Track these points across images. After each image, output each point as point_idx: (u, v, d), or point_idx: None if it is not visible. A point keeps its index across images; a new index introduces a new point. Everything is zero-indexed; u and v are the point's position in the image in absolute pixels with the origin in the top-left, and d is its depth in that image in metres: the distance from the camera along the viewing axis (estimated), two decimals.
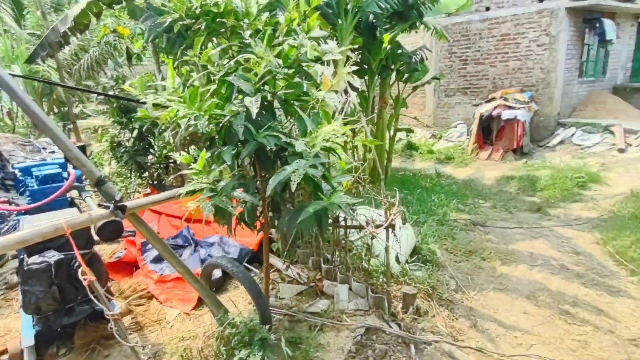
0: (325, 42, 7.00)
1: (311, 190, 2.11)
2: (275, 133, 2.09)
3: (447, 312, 3.19)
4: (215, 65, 2.26)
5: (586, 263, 4.19)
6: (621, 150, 7.93)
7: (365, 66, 6.51)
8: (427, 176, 8.18)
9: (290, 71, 2.44)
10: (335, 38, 5.81)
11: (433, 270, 3.73)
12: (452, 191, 7.02)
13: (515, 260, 4.24)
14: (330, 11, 5.67)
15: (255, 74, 2.08)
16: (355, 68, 3.30)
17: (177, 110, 2.06)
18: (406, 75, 7.18)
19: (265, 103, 2.42)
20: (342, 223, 3.14)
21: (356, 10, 5.57)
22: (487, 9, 9.91)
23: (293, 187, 1.80)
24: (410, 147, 10.65)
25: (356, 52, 6.63)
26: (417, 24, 6.54)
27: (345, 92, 4.32)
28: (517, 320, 3.21)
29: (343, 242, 3.29)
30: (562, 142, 9.05)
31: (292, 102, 2.55)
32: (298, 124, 2.17)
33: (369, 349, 2.60)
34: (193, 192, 2.25)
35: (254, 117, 1.90)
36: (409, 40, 10.88)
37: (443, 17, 10.60)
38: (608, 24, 8.97)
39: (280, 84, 2.60)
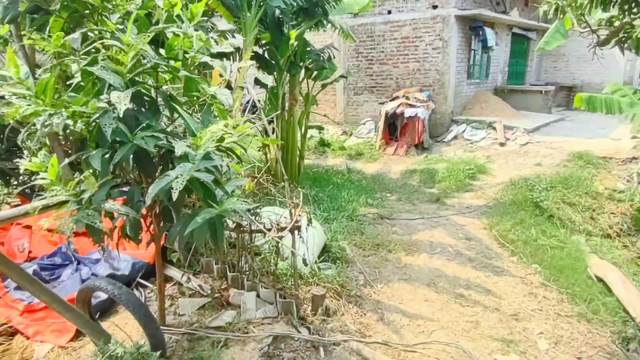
0: (233, 36, 6.64)
1: (202, 197, 1.89)
2: (156, 134, 1.83)
3: (356, 309, 3.23)
4: (78, 53, 1.90)
5: (476, 247, 4.63)
6: (502, 144, 9.05)
7: (273, 62, 6.36)
8: (339, 172, 8.36)
9: (177, 63, 2.18)
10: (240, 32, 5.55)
11: (342, 268, 3.76)
12: (362, 186, 7.27)
13: (417, 250, 4.50)
14: (234, 2, 5.38)
15: (128, 66, 1.79)
16: (251, 63, 3.11)
17: (25, 107, 1.67)
18: (315, 73, 7.22)
19: (147, 99, 2.13)
20: (247, 228, 2.96)
21: (260, 3, 5.38)
22: (389, 12, 10.47)
23: (174, 195, 1.58)
24: (323, 144, 10.81)
25: (264, 48, 6.45)
26: (324, 22, 6.59)
27: (242, 88, 4.11)
28: (420, 308, 3.39)
29: (249, 246, 3.11)
30: (455, 137, 10.01)
31: (179, 98, 2.29)
32: (185, 123, 1.93)
33: (277, 359, 2.48)
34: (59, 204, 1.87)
35: (120, 114, 1.61)
36: (318, 39, 11.00)
37: (349, 17, 10.93)
38: (489, 32, 10.14)
39: (166, 77, 2.32)
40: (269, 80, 6.98)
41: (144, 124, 1.84)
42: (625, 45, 3.43)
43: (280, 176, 7.14)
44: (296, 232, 2.77)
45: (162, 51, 2.18)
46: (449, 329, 3.10)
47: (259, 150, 8.03)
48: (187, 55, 2.02)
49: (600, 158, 7.73)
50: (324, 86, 7.39)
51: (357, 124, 11.52)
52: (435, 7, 9.81)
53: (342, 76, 7.34)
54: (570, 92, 13.47)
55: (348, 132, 11.58)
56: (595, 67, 13.32)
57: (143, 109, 1.99)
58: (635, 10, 2.87)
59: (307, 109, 7.41)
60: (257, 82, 6.68)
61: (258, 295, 3.06)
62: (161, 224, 2.42)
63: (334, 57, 7.37)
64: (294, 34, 5.91)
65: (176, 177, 1.67)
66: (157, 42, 2.32)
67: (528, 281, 3.93)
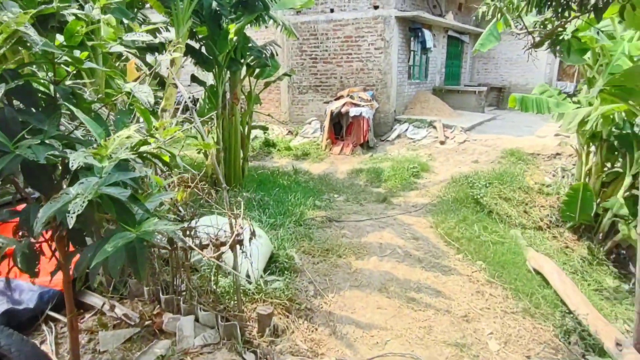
0: (167, 29, 6.02)
1: (115, 218, 1.54)
2: (49, 141, 1.45)
3: (307, 324, 3.01)
4: None
5: (424, 247, 4.64)
6: (442, 143, 9.37)
7: (211, 58, 5.92)
8: (285, 173, 8.09)
9: (84, 54, 1.80)
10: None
11: (291, 279, 3.52)
12: (309, 187, 7.07)
13: (367, 253, 4.40)
14: None
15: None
16: (178, 55, 2.76)
17: None
18: (257, 71, 6.88)
19: (42, 96, 1.71)
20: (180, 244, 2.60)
21: None
22: (332, 10, 10.39)
23: (70, 222, 1.23)
24: (268, 144, 10.47)
25: (201, 43, 5.98)
26: (265, 17, 6.28)
27: (175, 86, 3.71)
28: (372, 317, 3.25)
29: (185, 264, 2.75)
30: (399, 136, 10.21)
31: (89, 97, 1.89)
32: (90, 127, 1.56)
33: None
34: None
35: None
36: (260, 36, 10.62)
37: (292, 14, 10.69)
38: (427, 34, 10.46)
39: (69, 70, 1.91)
40: (209, 77, 6.52)
41: (37, 130, 1.44)
42: (557, 47, 3.63)
43: (232, 179, 6.72)
44: (238, 246, 2.48)
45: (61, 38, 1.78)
46: (403, 337, 3.00)
47: (198, 153, 7.51)
48: (92, 44, 1.64)
49: (529, 154, 8.28)
50: (267, 84, 7.08)
51: (302, 123, 11.33)
52: (376, 7, 9.90)
53: (285, 74, 7.08)
54: (500, 92, 14.45)
55: (294, 131, 11.34)
56: (521, 70, 14.42)
57: (34, 110, 1.58)
58: (566, 13, 2.97)
59: (250, 108, 7.06)
60: (195, 79, 6.19)
61: (197, 320, 2.71)
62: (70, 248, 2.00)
63: (277, 55, 7.09)
64: (232, 27, 5.54)
65: (76, 196, 1.31)
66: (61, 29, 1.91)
67: (474, 279, 3.99)
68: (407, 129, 10.26)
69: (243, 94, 7.16)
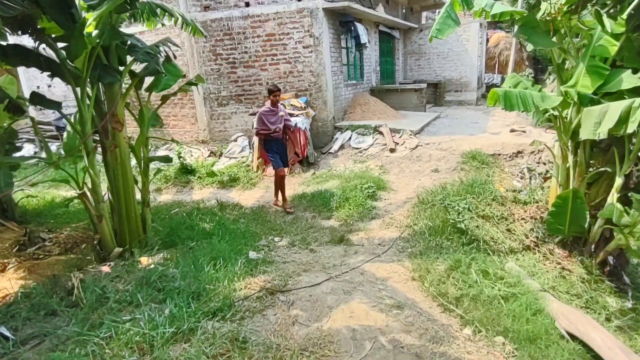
0: None
1: None
2: None
3: None
4: None
5: (416, 322, 3.14)
6: (392, 150, 8.13)
7: (63, 66, 3.89)
8: (207, 212, 6.19)
9: None
10: None
11: None
12: (240, 231, 5.29)
13: (337, 355, 2.78)
14: None
15: None
16: None
17: None
18: (149, 82, 4.96)
19: None
20: None
21: None
22: (247, 4, 8.68)
23: None
24: (186, 171, 8.43)
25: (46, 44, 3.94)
26: (142, 5, 4.38)
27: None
28: None
29: None
30: (342, 146, 8.80)
31: None
32: None
33: None
34: None
35: None
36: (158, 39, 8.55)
37: (199, 11, 8.78)
38: (361, 28, 9.22)
39: None
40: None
41: None
42: (516, 29, 2.69)
43: (111, 243, 4.69)
44: None
45: None
46: None
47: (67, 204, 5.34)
48: None
49: (490, 156, 7.33)
50: (164, 98, 5.16)
51: (226, 141, 9.44)
52: None
53: (190, 83, 5.22)
54: (436, 88, 13.82)
55: (217, 152, 9.40)
56: (453, 64, 13.93)
57: None
58: None
59: (145, 133, 5.07)
60: (37, 99, 4.07)
61: None
62: None
63: (175, 58, 5.22)
64: (90, 17, 3.60)
65: None
66: None
67: None
68: (350, 137, 8.89)
69: (132, 114, 5.17)
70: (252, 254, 4.59)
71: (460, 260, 3.82)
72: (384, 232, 5.02)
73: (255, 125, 6.21)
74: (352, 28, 8.99)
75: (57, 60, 3.89)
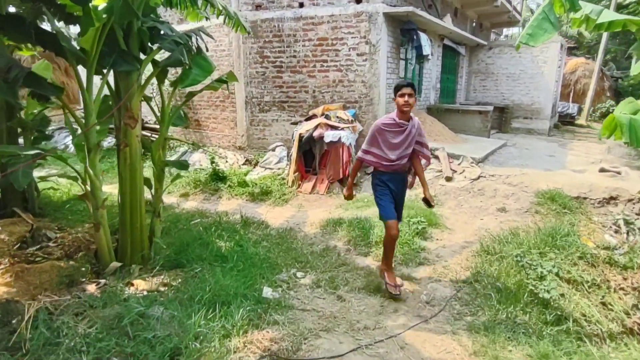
0: None
1: None
2: None
3: None
4: None
5: None
6: (448, 179, 6.96)
7: (64, 46, 3.30)
8: (229, 227, 5.43)
9: None
10: None
11: None
12: (258, 257, 4.43)
13: None
14: None
15: None
16: None
17: None
18: (177, 74, 4.33)
19: None
20: None
21: None
22: (301, 5, 8.03)
23: None
24: (217, 177, 7.82)
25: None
26: None
27: None
28: None
29: None
30: None
31: None
32: None
33: None
34: None
35: None
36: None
37: (250, 9, 8.27)
38: (424, 38, 8.22)
39: None
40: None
41: None
42: None
43: (107, 256, 4.03)
44: None
45: None
46: None
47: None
48: None
49: (573, 199, 5.93)
50: (190, 95, 4.49)
51: (264, 150, 8.76)
52: (358, 1, 7.60)
53: (220, 80, 4.52)
54: (502, 113, 12.36)
55: (252, 160, 8.73)
56: (524, 87, 12.42)
57: None
58: None
59: (164, 133, 4.43)
60: (31, 82, 3.47)
61: None
62: None
63: (207, 50, 4.57)
64: None
65: None
66: None
67: None
68: None
69: (152, 110, 4.56)
70: (267, 291, 3.71)
71: (549, 356, 2.65)
72: (435, 285, 3.92)
73: (362, 147, 3.72)
74: (415, 37, 8.01)
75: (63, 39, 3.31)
